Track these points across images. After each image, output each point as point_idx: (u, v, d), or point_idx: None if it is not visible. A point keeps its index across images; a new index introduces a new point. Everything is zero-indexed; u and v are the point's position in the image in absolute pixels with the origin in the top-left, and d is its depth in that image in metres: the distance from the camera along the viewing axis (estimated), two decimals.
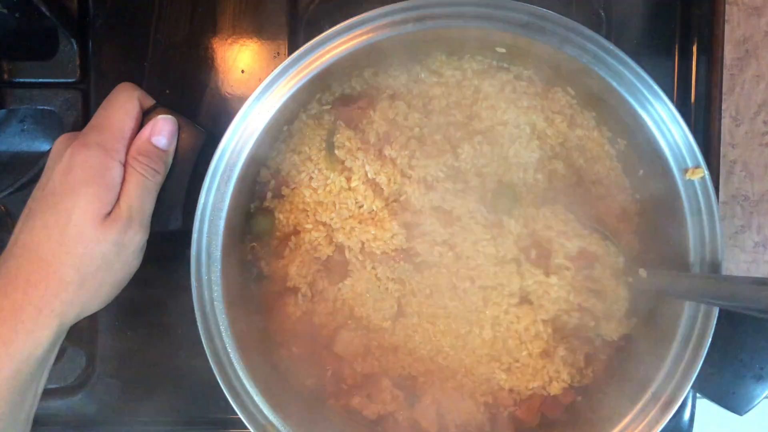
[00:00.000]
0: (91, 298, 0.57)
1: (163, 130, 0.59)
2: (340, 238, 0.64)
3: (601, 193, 0.65)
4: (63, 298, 0.55)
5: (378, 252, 0.63)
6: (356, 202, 0.64)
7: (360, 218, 0.63)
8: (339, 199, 0.64)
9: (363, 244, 0.64)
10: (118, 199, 0.57)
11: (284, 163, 0.65)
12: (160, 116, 0.59)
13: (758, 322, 0.57)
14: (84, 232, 0.55)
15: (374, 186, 0.64)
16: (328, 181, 0.64)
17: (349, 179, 0.63)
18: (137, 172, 0.57)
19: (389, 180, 0.63)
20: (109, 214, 0.56)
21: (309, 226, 0.64)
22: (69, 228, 0.55)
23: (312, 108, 0.65)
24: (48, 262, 0.54)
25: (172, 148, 0.60)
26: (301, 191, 0.64)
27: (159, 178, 0.59)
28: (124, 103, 0.59)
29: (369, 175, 0.63)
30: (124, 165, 0.58)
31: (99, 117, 0.59)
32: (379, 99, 0.64)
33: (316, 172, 0.64)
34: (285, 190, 0.65)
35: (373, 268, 0.64)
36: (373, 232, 0.63)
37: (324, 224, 0.64)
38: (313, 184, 0.64)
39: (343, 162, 0.64)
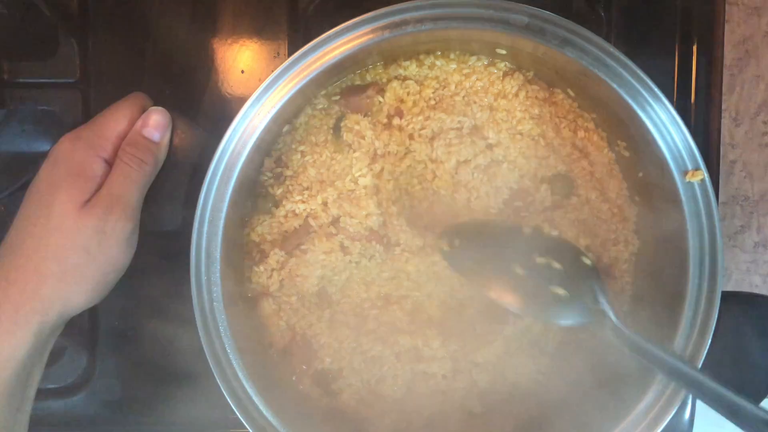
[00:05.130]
0: (73, 293, 0.56)
1: (153, 122, 0.59)
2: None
3: (599, 196, 0.65)
4: (42, 293, 0.54)
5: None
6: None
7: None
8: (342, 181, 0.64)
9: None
10: (100, 188, 0.57)
11: (288, 153, 0.65)
12: (153, 108, 0.59)
13: (758, 324, 0.57)
14: (63, 222, 0.54)
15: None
16: (333, 162, 0.64)
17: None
18: (122, 162, 0.57)
19: (398, 147, 0.63)
20: (89, 201, 0.56)
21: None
22: (50, 221, 0.54)
23: (318, 103, 0.65)
24: (28, 258, 0.54)
25: (164, 142, 0.60)
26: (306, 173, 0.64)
27: (146, 169, 0.58)
28: (125, 108, 0.59)
29: (378, 152, 0.63)
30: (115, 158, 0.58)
31: (97, 116, 0.60)
32: (389, 83, 0.64)
33: (321, 156, 0.64)
34: (287, 172, 0.65)
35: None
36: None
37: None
38: (317, 167, 0.64)
39: (350, 145, 0.64)
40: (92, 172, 0.56)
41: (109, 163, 0.58)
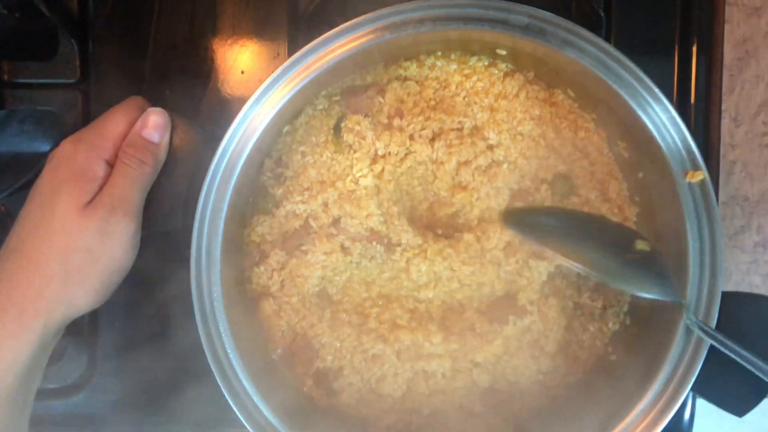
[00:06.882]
0: (77, 294, 0.56)
1: (152, 123, 0.59)
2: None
3: (600, 196, 0.65)
4: (47, 295, 0.54)
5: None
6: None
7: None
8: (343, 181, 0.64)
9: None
10: (101, 189, 0.57)
11: (289, 153, 0.65)
12: (151, 109, 0.60)
13: (758, 324, 0.57)
14: (66, 224, 0.54)
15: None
16: (333, 162, 0.64)
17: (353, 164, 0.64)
18: (122, 163, 0.57)
19: (399, 147, 0.63)
20: (90, 202, 0.56)
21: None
22: (53, 223, 0.54)
23: (319, 103, 0.65)
24: (31, 261, 0.54)
25: (164, 142, 0.60)
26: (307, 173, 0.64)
27: (147, 170, 0.58)
28: (124, 110, 0.59)
29: (379, 152, 0.63)
30: (119, 153, 0.58)
31: (97, 119, 0.60)
32: (389, 84, 0.64)
33: (321, 156, 0.64)
34: (288, 172, 0.65)
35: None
36: None
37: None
38: (317, 167, 0.64)
39: (350, 146, 0.63)
40: (94, 173, 0.56)
41: (111, 165, 0.58)
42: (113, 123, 0.59)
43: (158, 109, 0.60)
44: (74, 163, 0.56)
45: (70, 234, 0.54)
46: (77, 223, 0.55)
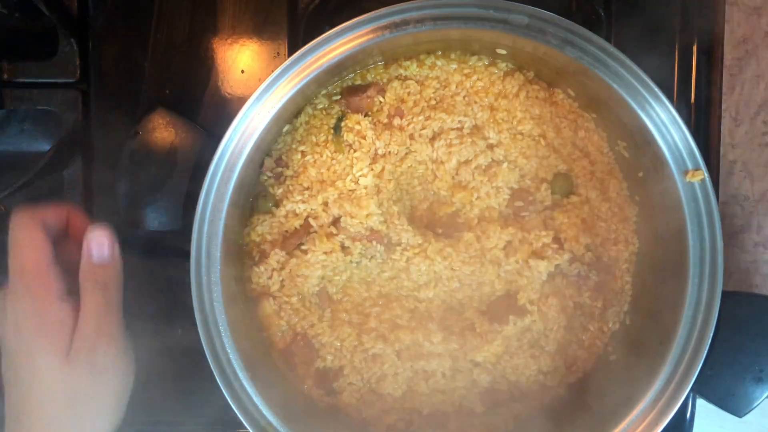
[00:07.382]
0: (101, 424, 0.57)
1: (97, 244, 0.57)
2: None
3: (600, 196, 0.65)
4: None
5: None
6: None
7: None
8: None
9: None
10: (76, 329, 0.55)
11: (289, 153, 0.65)
12: (90, 231, 0.57)
13: (758, 324, 0.57)
14: (56, 382, 0.54)
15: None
16: (333, 162, 0.64)
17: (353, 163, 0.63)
18: (89, 296, 0.56)
19: (399, 147, 0.63)
20: (71, 346, 0.55)
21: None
22: (43, 386, 0.54)
23: (319, 103, 0.65)
24: (46, 424, 0.55)
25: (116, 252, 0.57)
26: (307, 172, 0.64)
27: (112, 288, 0.57)
28: (27, 237, 0.55)
29: (379, 152, 0.63)
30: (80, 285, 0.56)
31: (13, 261, 0.56)
32: (390, 83, 0.64)
33: (321, 156, 0.64)
34: (288, 172, 0.65)
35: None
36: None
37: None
38: (318, 167, 0.64)
39: (350, 145, 0.63)
40: (57, 319, 0.55)
41: (68, 289, 0.56)
42: (34, 259, 0.55)
43: (95, 227, 0.57)
44: (33, 318, 0.54)
45: (65, 388, 0.54)
46: (68, 376, 0.54)
